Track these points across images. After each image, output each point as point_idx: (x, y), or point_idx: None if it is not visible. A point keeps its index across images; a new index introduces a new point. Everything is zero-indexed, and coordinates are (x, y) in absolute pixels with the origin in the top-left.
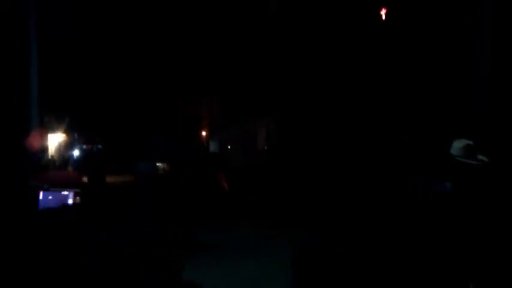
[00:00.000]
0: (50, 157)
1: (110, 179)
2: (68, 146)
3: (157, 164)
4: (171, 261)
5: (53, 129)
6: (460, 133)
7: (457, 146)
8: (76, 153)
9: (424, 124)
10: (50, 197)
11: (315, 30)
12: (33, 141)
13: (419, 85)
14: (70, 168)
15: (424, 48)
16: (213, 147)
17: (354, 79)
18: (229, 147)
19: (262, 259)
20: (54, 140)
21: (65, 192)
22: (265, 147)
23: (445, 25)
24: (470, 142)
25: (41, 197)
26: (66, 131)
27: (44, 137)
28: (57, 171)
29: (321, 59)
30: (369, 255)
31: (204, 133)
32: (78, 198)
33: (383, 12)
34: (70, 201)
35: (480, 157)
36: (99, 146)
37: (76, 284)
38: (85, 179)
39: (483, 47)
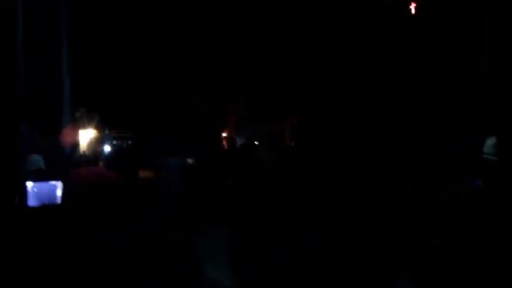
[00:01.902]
0: (82, 153)
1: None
2: (99, 141)
3: (188, 160)
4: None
5: (84, 125)
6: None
7: (489, 143)
8: (107, 148)
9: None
10: (38, 188)
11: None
12: (66, 137)
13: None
14: (101, 164)
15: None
16: (240, 143)
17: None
18: (256, 143)
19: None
20: (86, 136)
21: (53, 183)
22: (291, 144)
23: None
24: None
25: (29, 188)
26: (97, 127)
27: (76, 133)
28: (88, 168)
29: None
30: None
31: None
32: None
33: (412, 6)
34: (58, 191)
35: None
36: (129, 142)
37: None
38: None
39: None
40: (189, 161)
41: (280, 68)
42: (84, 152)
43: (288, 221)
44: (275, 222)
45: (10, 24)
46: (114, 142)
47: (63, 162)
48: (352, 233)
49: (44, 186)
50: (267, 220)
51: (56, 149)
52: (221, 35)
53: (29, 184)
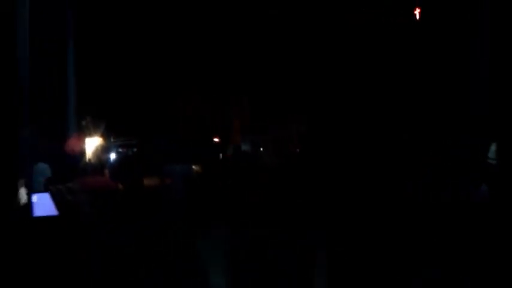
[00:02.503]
0: (87, 161)
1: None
2: (105, 149)
3: (193, 167)
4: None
5: (90, 133)
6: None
7: (493, 149)
8: (112, 156)
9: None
10: (43, 199)
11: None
12: (72, 145)
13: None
14: (106, 172)
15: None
16: (244, 149)
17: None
18: (261, 149)
19: None
20: (92, 144)
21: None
22: (297, 150)
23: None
24: None
25: (34, 199)
26: (103, 135)
27: (82, 141)
28: (92, 177)
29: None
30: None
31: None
32: None
33: (417, 11)
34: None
35: None
36: (134, 149)
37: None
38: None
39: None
40: (195, 168)
41: (284, 71)
42: (89, 160)
43: (288, 221)
44: (275, 222)
45: (10, 23)
46: (120, 150)
47: (68, 170)
48: (353, 233)
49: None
50: (267, 220)
51: (62, 156)
52: (222, 38)
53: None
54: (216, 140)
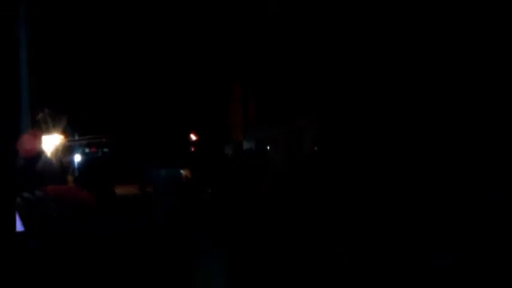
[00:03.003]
0: (45, 164)
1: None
2: (67, 150)
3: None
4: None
5: (48, 130)
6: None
7: None
8: (77, 158)
9: None
10: None
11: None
12: (25, 145)
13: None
14: (70, 178)
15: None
16: (247, 147)
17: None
18: (268, 147)
19: None
20: (50, 143)
21: None
22: (316, 148)
23: None
24: None
25: None
26: (64, 131)
27: (38, 139)
28: (54, 185)
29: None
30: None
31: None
32: None
33: None
34: None
35: None
36: (105, 150)
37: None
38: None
39: None
40: (183, 172)
41: (292, 66)
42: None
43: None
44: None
45: None
46: (87, 150)
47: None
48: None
49: None
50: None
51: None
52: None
53: None
54: (193, 137)
